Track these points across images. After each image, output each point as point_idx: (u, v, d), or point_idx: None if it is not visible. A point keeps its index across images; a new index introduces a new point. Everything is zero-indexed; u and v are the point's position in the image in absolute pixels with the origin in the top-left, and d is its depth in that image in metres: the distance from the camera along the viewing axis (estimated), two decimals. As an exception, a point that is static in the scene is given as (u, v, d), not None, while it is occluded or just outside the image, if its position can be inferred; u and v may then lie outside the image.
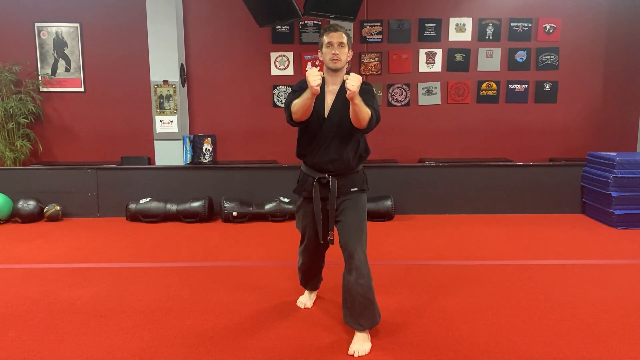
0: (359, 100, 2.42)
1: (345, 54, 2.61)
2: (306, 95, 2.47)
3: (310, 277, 3.05)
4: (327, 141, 2.63)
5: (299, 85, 2.67)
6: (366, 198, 2.77)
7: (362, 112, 2.46)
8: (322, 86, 2.67)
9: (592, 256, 4.04)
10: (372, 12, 6.29)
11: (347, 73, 2.48)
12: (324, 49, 2.61)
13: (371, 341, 2.59)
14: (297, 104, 2.53)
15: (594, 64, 6.35)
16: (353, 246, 2.59)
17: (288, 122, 2.64)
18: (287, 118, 2.63)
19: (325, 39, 2.60)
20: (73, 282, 3.49)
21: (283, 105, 2.71)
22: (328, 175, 2.65)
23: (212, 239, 4.63)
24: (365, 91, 2.58)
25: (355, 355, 2.49)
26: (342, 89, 2.63)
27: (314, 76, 2.39)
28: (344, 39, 2.59)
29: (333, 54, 2.57)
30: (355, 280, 2.55)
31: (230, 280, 3.52)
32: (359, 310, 2.58)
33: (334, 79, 2.66)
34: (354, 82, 2.34)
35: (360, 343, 2.55)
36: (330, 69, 2.64)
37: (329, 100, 2.65)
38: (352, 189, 2.69)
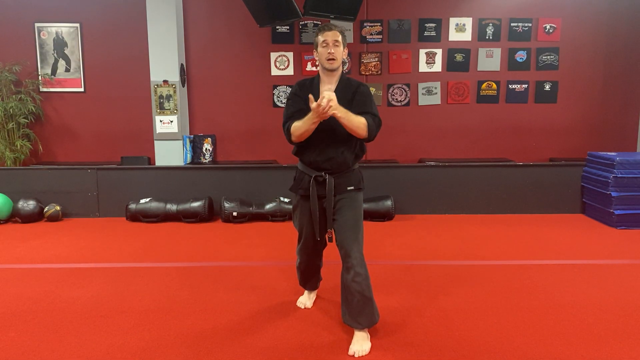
0: (340, 113, 2.43)
1: (341, 53, 2.60)
2: (311, 120, 2.46)
3: (309, 277, 3.05)
4: (324, 140, 2.62)
5: (294, 96, 2.66)
6: (362, 197, 2.74)
7: (352, 123, 2.48)
8: (318, 86, 2.67)
9: (592, 256, 4.04)
10: (372, 12, 6.30)
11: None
12: (320, 49, 2.60)
13: (371, 341, 2.59)
14: (300, 128, 2.53)
15: (594, 64, 6.36)
16: (349, 245, 2.58)
17: (288, 141, 2.66)
18: (287, 138, 2.65)
19: (320, 38, 2.59)
20: (73, 282, 3.49)
21: (282, 115, 2.72)
22: (324, 173, 2.64)
23: (212, 239, 4.63)
24: (363, 95, 2.59)
25: (356, 355, 2.48)
26: (339, 88, 2.62)
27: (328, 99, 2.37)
28: (339, 38, 2.58)
29: (329, 53, 2.57)
30: (352, 279, 2.55)
31: (230, 280, 3.52)
32: (357, 308, 2.58)
33: (330, 78, 2.65)
34: (326, 101, 2.35)
35: (360, 343, 2.54)
36: (326, 69, 2.63)
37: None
38: (349, 188, 2.67)
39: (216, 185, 5.48)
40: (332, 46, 2.56)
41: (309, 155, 2.67)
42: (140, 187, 5.47)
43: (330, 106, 2.38)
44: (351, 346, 2.53)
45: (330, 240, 2.70)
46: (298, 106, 2.63)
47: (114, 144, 6.44)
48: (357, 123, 2.49)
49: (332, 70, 2.62)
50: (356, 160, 2.72)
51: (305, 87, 2.68)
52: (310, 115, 2.46)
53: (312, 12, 4.34)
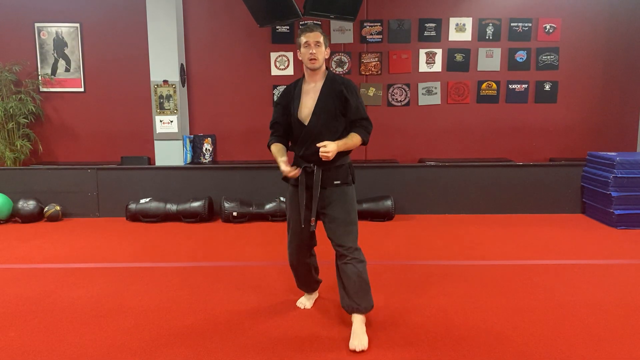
0: (341, 148, 2.65)
1: (323, 53, 2.72)
2: (278, 162, 2.77)
3: (301, 274, 3.02)
4: (312, 138, 2.72)
5: (276, 105, 2.90)
6: (353, 191, 2.82)
7: (350, 147, 2.71)
8: (300, 85, 2.81)
9: (592, 256, 4.04)
10: (372, 12, 6.29)
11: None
12: (302, 49, 2.72)
13: (371, 340, 2.59)
14: (274, 155, 2.82)
15: (594, 64, 6.35)
16: (339, 238, 2.69)
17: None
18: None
19: (303, 39, 2.71)
20: (73, 282, 3.49)
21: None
22: (313, 164, 2.73)
23: (212, 239, 4.63)
24: (353, 101, 2.71)
25: (357, 350, 2.52)
26: (323, 87, 2.74)
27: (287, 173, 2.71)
28: (321, 39, 2.70)
29: (311, 53, 2.68)
30: (346, 262, 2.68)
31: (230, 280, 3.52)
32: (354, 290, 2.67)
33: (313, 77, 2.77)
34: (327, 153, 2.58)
35: (359, 338, 2.58)
36: (309, 68, 2.75)
37: (308, 100, 2.75)
38: (335, 182, 2.74)
39: (216, 185, 5.48)
40: (314, 46, 2.68)
41: (299, 148, 2.80)
42: (140, 187, 5.47)
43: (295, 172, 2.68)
44: (351, 341, 2.57)
45: (313, 227, 2.76)
46: (276, 117, 2.87)
47: (114, 144, 6.44)
48: (353, 144, 2.71)
49: (315, 69, 2.73)
50: (344, 154, 2.78)
51: (287, 94, 2.84)
52: (279, 163, 2.74)
53: (312, 12, 4.34)
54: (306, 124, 2.72)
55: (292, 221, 2.87)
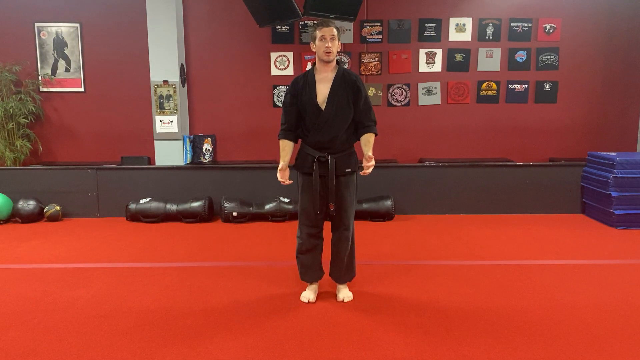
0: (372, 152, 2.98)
1: (336, 46, 2.91)
2: (280, 159, 3.04)
3: (309, 259, 3.10)
4: (327, 125, 2.92)
5: (286, 95, 3.01)
6: (356, 177, 3.09)
7: (373, 142, 3.00)
8: (313, 75, 2.96)
9: (592, 256, 4.04)
10: (372, 12, 6.29)
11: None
12: (317, 42, 2.91)
13: (371, 342, 2.60)
14: (280, 150, 3.03)
15: (594, 64, 6.35)
16: (346, 218, 3.01)
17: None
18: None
19: (318, 33, 2.90)
20: (73, 282, 3.49)
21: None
22: (327, 154, 2.93)
23: (212, 239, 4.63)
24: (364, 98, 2.94)
25: (345, 301, 3.05)
26: (337, 78, 2.93)
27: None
28: (335, 33, 2.89)
29: (326, 47, 2.87)
30: (340, 238, 3.02)
31: (230, 280, 3.52)
32: (341, 267, 3.08)
33: (325, 67, 2.96)
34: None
35: (345, 292, 3.11)
36: (323, 60, 2.92)
37: (323, 88, 2.94)
38: (347, 170, 2.99)
39: (216, 185, 5.48)
40: (329, 40, 2.86)
41: (313, 136, 2.95)
42: (140, 187, 5.47)
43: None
44: (339, 295, 3.10)
45: (333, 212, 3.00)
46: (288, 107, 2.99)
47: (114, 144, 6.44)
48: (373, 141, 3.00)
49: (329, 62, 2.92)
50: (350, 144, 3.04)
51: (297, 84, 3.01)
52: (281, 160, 3.01)
53: (312, 12, 4.34)
54: (323, 108, 2.89)
55: (306, 207, 3.03)
